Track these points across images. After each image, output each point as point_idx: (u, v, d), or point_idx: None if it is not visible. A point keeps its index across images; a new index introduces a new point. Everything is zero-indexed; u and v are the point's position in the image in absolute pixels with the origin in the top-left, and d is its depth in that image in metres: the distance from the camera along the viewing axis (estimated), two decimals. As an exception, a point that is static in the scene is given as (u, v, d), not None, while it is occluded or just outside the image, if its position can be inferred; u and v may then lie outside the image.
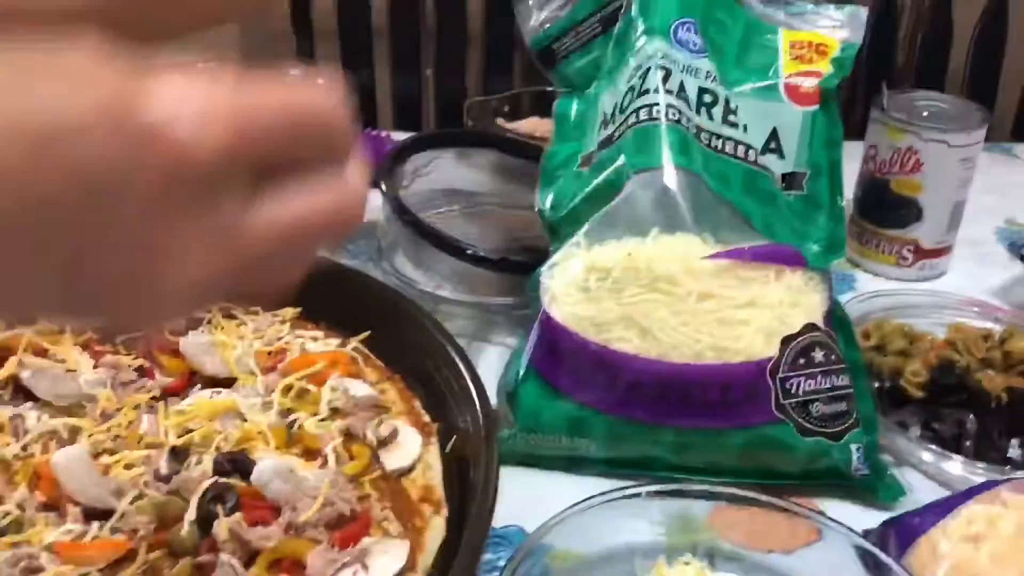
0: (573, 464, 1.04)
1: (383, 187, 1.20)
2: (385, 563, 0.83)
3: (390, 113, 2.36)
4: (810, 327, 1.00)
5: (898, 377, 1.11)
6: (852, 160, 1.30)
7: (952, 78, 2.27)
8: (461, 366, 1.01)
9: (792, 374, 0.98)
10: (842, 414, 1.00)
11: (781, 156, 1.05)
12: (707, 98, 1.06)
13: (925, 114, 1.35)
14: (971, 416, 1.07)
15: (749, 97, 1.07)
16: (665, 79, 1.06)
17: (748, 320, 0.99)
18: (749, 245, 1.03)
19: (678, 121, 1.04)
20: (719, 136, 1.06)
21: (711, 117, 1.07)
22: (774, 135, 1.05)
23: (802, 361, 0.98)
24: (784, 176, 1.05)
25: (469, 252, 1.13)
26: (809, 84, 1.08)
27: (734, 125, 1.06)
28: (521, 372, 1.05)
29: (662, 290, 1.00)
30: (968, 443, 1.06)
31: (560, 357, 1.03)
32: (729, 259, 1.01)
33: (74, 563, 0.80)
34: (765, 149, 1.05)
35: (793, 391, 0.98)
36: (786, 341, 0.99)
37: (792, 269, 1.02)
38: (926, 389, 1.09)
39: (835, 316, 1.06)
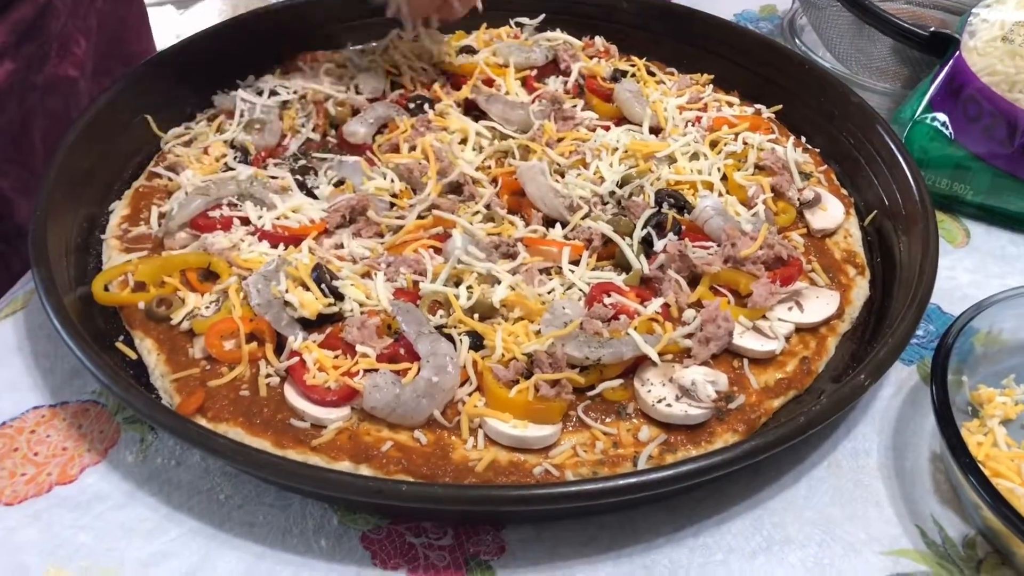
0: (947, 203, 1.06)
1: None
2: (817, 306, 0.88)
3: None
4: None
5: None
6: None
7: None
8: (891, 144, 1.01)
9: None
10: None
11: None
12: None
13: None
14: None
15: None
16: None
17: None
18: None
19: None
20: None
21: None
22: None
23: None
24: None
25: (906, 27, 1.09)
26: None
27: None
28: (919, 110, 1.05)
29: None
30: None
31: (961, 104, 1.02)
32: None
33: (539, 255, 0.91)
34: None
35: None
36: None
37: None
38: None
39: None
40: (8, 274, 1.08)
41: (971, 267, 1.00)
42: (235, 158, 1.00)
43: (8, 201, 1.09)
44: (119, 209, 0.96)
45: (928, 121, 1.04)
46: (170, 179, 0.98)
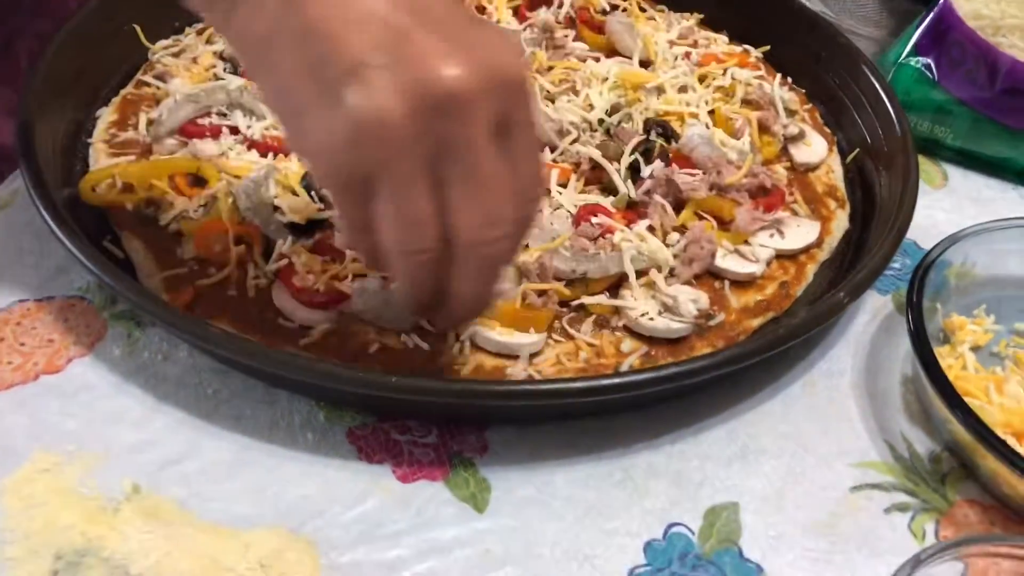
0: (927, 146, 1.08)
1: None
2: (798, 234, 0.90)
3: None
4: None
5: None
6: None
7: None
8: (876, 83, 1.02)
9: None
10: None
11: None
12: None
13: None
14: None
15: None
16: None
17: None
18: None
19: None
20: None
21: None
22: None
23: None
24: None
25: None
26: None
27: None
28: (904, 53, 1.07)
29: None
30: None
31: (946, 48, 1.05)
32: None
33: (528, 178, 0.92)
34: None
35: None
36: None
37: None
38: None
39: None
40: None
41: (948, 207, 1.02)
42: (225, 69, 0.99)
43: None
44: (106, 115, 0.96)
45: (913, 64, 1.06)
46: (158, 87, 0.98)
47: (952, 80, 1.04)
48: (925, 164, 1.07)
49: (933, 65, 1.05)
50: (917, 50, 1.07)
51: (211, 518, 0.66)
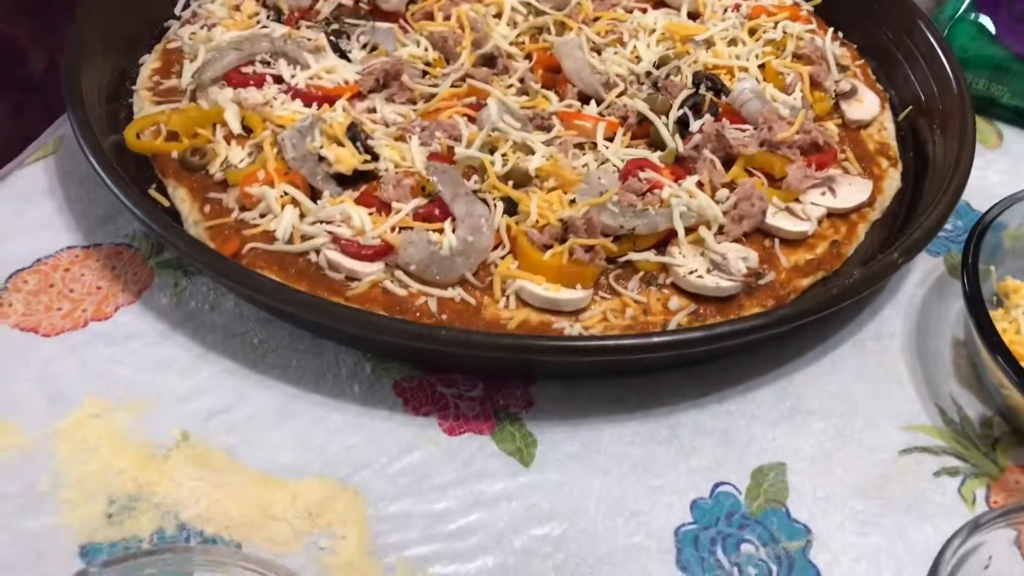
0: (981, 105, 1.05)
1: None
2: (849, 193, 0.88)
3: None
4: None
5: None
6: None
7: None
8: (932, 38, 0.99)
9: None
10: None
11: None
12: None
13: None
14: None
15: None
16: None
17: None
18: None
19: None
20: None
21: None
22: None
23: None
24: None
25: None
26: None
27: None
28: (962, 8, 1.04)
29: None
30: None
31: (1007, 1, 1.02)
32: None
33: (574, 130, 0.90)
34: None
35: None
36: None
37: None
38: None
39: None
40: (22, 122, 1.08)
41: (1003, 168, 1.00)
42: (268, 17, 0.98)
43: (21, 49, 1.09)
44: (149, 62, 0.95)
45: (971, 19, 1.03)
46: (193, 34, 0.96)
47: (1012, 36, 1.01)
48: (979, 123, 1.03)
49: (992, 20, 1.02)
50: (976, 4, 1.03)
51: (259, 467, 0.67)
